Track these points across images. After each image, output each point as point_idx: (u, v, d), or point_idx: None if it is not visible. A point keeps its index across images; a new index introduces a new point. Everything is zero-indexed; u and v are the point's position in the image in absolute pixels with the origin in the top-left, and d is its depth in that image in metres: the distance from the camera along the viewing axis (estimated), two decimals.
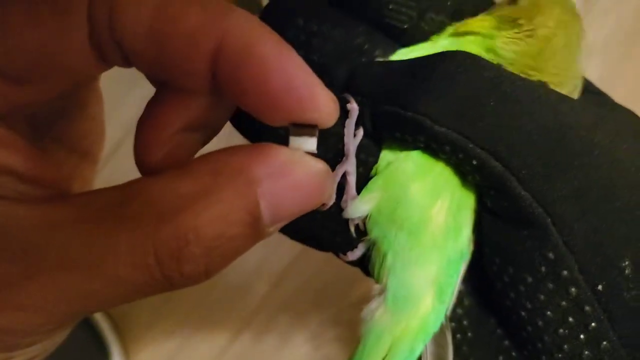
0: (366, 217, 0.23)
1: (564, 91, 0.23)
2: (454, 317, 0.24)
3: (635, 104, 0.58)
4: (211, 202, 0.16)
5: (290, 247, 0.58)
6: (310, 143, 0.17)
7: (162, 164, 0.18)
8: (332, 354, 0.60)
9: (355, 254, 0.24)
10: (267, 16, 0.24)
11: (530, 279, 0.21)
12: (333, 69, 0.23)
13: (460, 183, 0.22)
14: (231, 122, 0.24)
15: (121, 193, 0.16)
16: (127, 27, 0.16)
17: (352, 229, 0.23)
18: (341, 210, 0.23)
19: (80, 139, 0.22)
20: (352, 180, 0.23)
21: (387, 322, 0.22)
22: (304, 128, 0.17)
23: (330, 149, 0.23)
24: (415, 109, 0.21)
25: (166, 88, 0.19)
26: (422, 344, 0.23)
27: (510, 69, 0.23)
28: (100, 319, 0.59)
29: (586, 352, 0.20)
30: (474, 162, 0.21)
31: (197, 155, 0.19)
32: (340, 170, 0.23)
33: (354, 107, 0.23)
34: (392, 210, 0.22)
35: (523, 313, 0.21)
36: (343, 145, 0.23)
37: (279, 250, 0.58)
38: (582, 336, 0.21)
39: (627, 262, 0.20)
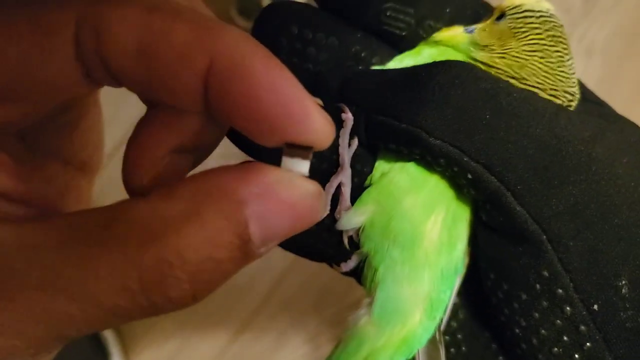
0: (360, 228, 0.23)
1: (557, 102, 0.23)
2: (448, 331, 0.24)
3: (636, 104, 0.58)
4: (197, 225, 0.15)
5: None
6: (303, 165, 0.16)
7: (150, 187, 0.18)
8: None
9: (349, 265, 0.23)
10: (262, 23, 0.24)
11: (524, 296, 0.21)
12: (328, 78, 0.23)
13: (456, 195, 0.22)
14: (228, 137, 0.23)
15: (106, 215, 0.16)
16: (114, 46, 0.16)
17: (346, 240, 0.23)
18: (335, 221, 0.23)
19: (77, 151, 0.21)
20: (346, 191, 0.22)
21: (369, 333, 0.22)
22: (299, 149, 0.16)
23: (325, 160, 0.23)
24: (410, 121, 0.20)
25: (157, 108, 0.19)
26: (404, 358, 0.22)
27: (494, 74, 0.23)
28: None
29: None
30: (469, 176, 0.20)
31: (189, 175, 0.18)
32: (334, 181, 0.22)
33: (348, 117, 0.22)
34: (386, 224, 0.22)
35: (517, 330, 0.21)
36: (338, 155, 0.22)
37: (279, 251, 0.58)
38: (576, 355, 0.20)
39: (624, 282, 0.20)
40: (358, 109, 0.22)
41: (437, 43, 0.24)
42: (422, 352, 0.23)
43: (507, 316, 0.21)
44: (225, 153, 0.65)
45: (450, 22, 0.24)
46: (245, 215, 0.15)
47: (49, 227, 0.16)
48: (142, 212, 0.15)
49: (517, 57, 0.22)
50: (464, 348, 0.23)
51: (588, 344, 0.20)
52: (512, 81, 0.22)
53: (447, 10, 0.24)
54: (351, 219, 0.22)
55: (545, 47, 0.22)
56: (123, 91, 0.69)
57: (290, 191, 0.16)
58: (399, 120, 0.21)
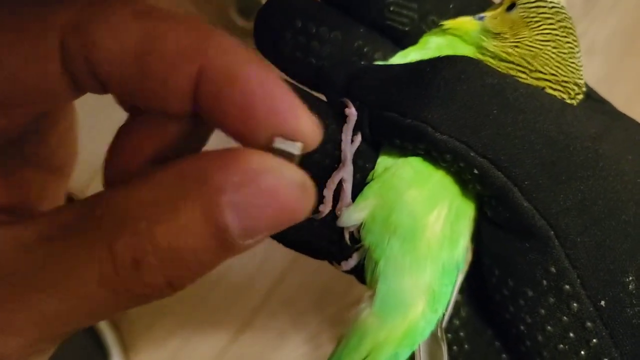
0: (361, 225, 0.22)
1: (564, 97, 0.23)
2: (450, 329, 0.23)
3: (636, 103, 0.58)
4: (170, 211, 0.15)
5: None
6: (294, 146, 0.16)
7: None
8: None
9: (349, 263, 0.23)
10: (265, 17, 0.24)
11: (530, 293, 0.20)
12: (331, 73, 0.23)
13: (460, 192, 0.22)
14: None
15: (86, 206, 0.16)
16: (103, 53, 0.16)
17: (347, 236, 0.23)
18: (336, 218, 0.23)
19: (50, 155, 0.21)
20: (347, 187, 0.22)
21: (371, 325, 0.22)
22: (286, 148, 0.16)
23: (327, 155, 0.23)
24: (416, 116, 0.20)
25: (140, 114, 0.18)
26: (407, 350, 0.22)
27: (502, 68, 0.23)
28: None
29: None
30: (475, 171, 0.20)
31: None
32: (336, 177, 0.22)
33: (352, 112, 0.22)
34: (387, 217, 0.22)
35: (522, 327, 0.21)
36: (340, 151, 0.22)
37: (279, 250, 0.58)
38: (582, 352, 0.20)
39: (631, 278, 0.20)
40: (362, 104, 0.22)
41: (445, 32, 0.24)
42: (424, 350, 0.23)
43: (511, 313, 0.21)
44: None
45: (455, 18, 0.24)
46: (221, 203, 0.14)
47: (34, 225, 0.16)
48: (118, 199, 0.15)
49: (530, 46, 0.22)
50: (466, 346, 0.23)
51: (594, 340, 0.20)
52: (522, 75, 0.22)
53: (451, 6, 0.24)
54: (352, 215, 0.22)
55: (558, 37, 0.22)
56: None
57: (272, 180, 0.15)
58: (404, 116, 0.21)
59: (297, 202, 0.15)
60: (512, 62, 0.22)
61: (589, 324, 0.20)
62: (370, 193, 0.22)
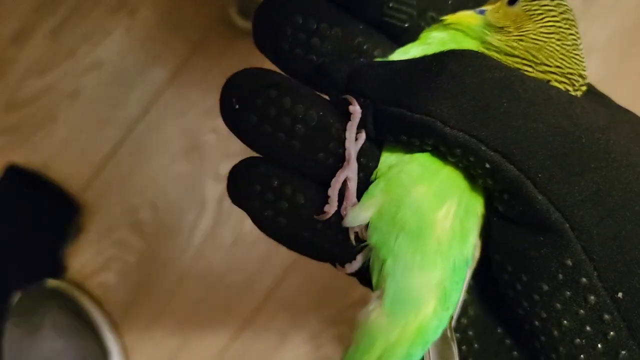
0: (367, 224, 0.22)
1: (568, 89, 0.23)
2: (458, 328, 0.23)
3: (636, 103, 0.58)
4: None
5: None
6: None
7: None
8: (333, 353, 0.60)
9: (354, 266, 0.23)
10: (264, 13, 0.24)
11: (546, 287, 0.20)
12: (333, 70, 0.23)
13: (468, 187, 0.21)
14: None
15: None
16: None
17: (352, 237, 0.23)
18: (341, 218, 0.22)
19: None
20: (352, 186, 0.22)
21: (382, 326, 0.21)
22: None
23: (331, 154, 0.22)
24: (423, 111, 0.20)
25: None
26: (420, 350, 0.22)
27: (507, 62, 0.22)
28: (99, 319, 0.59)
29: None
30: (487, 166, 0.20)
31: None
32: (340, 176, 0.22)
33: (356, 109, 0.22)
34: (394, 214, 0.21)
35: (537, 322, 0.21)
36: (344, 149, 0.22)
37: (279, 250, 0.58)
38: (599, 345, 0.20)
39: None
40: (366, 101, 0.22)
41: (446, 27, 0.23)
42: (434, 351, 0.22)
43: (525, 309, 0.21)
44: (228, 152, 0.65)
45: (454, 13, 0.24)
46: None
47: None
48: None
49: (535, 39, 0.22)
50: (476, 345, 0.23)
51: (612, 332, 0.20)
52: (527, 68, 0.22)
53: (450, 2, 0.24)
54: (358, 215, 0.22)
55: (561, 29, 0.22)
56: (119, 92, 0.69)
57: None
58: (411, 111, 0.20)
59: None
60: (518, 56, 0.22)
61: (606, 316, 0.20)
62: (377, 191, 0.22)
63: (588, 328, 0.20)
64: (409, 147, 0.22)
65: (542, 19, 0.22)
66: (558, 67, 0.22)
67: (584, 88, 0.23)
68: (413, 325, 0.21)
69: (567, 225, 0.19)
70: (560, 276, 0.20)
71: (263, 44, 0.23)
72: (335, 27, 0.23)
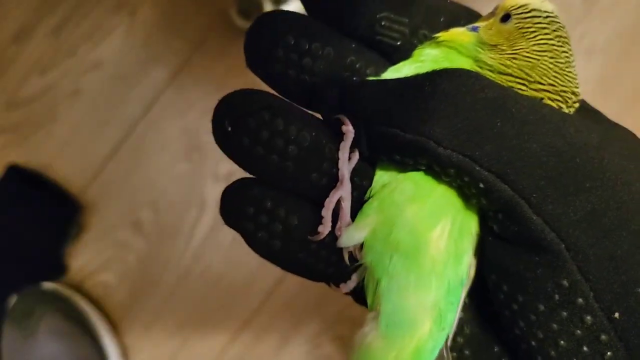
0: (361, 244, 0.22)
1: (562, 106, 0.23)
2: (454, 347, 0.23)
3: (636, 104, 0.58)
4: None
5: None
6: None
7: None
8: (333, 354, 0.60)
9: (349, 285, 0.23)
10: (255, 34, 0.23)
11: (542, 307, 0.20)
12: (325, 90, 0.22)
13: (463, 206, 0.21)
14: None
15: None
16: None
17: (346, 257, 0.22)
18: (335, 238, 0.22)
19: None
20: (346, 206, 0.22)
21: (378, 349, 0.21)
22: None
23: (324, 174, 0.22)
24: (417, 131, 0.20)
25: None
26: None
27: (500, 80, 0.22)
28: (98, 322, 0.58)
29: None
30: (481, 186, 0.20)
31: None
32: (334, 196, 0.22)
33: (349, 129, 0.22)
34: (388, 234, 0.21)
35: (534, 343, 0.21)
36: (337, 169, 0.22)
37: None
38: None
39: None
40: (359, 121, 0.22)
41: (439, 44, 0.23)
42: None
43: (522, 329, 0.21)
44: None
45: (446, 30, 0.24)
46: None
47: None
48: None
49: (528, 57, 0.22)
50: None
51: (609, 353, 0.20)
52: (521, 87, 0.22)
53: (442, 19, 0.24)
54: (353, 235, 0.22)
55: (554, 47, 0.23)
56: (120, 91, 0.69)
57: None
58: (404, 131, 0.20)
59: None
60: (511, 74, 0.22)
61: (603, 336, 0.20)
62: (371, 210, 0.22)
63: (585, 348, 0.20)
64: (403, 166, 0.22)
65: (535, 36, 0.22)
66: (551, 84, 0.22)
67: (576, 105, 0.23)
68: (409, 347, 0.21)
69: (563, 245, 0.19)
70: (557, 297, 0.20)
71: (255, 66, 0.23)
72: (327, 46, 0.23)
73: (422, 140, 0.20)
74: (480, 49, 0.23)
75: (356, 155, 0.22)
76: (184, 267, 0.61)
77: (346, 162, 0.22)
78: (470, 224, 0.22)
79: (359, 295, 0.23)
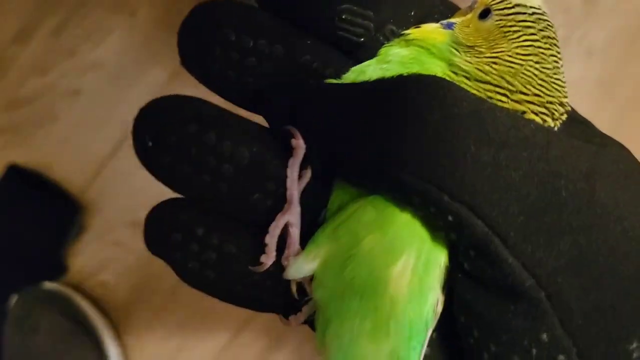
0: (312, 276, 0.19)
1: (547, 119, 0.20)
2: None
3: (636, 104, 0.58)
4: None
5: None
6: None
7: None
8: None
9: (299, 319, 0.20)
10: (192, 26, 0.20)
11: None
12: (273, 96, 0.19)
13: (430, 236, 0.18)
14: None
15: None
16: None
17: (294, 288, 0.20)
18: (281, 268, 0.19)
19: None
20: (294, 232, 0.19)
21: None
22: None
23: (269, 196, 0.19)
24: (377, 152, 0.17)
25: None
26: None
27: (477, 89, 0.19)
28: (98, 323, 0.58)
29: None
30: (450, 218, 0.17)
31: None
32: (280, 221, 0.19)
33: (299, 143, 0.19)
34: (342, 268, 0.18)
35: None
36: (285, 189, 0.19)
37: None
38: None
39: (635, 345, 0.17)
40: (312, 135, 0.19)
41: (408, 43, 0.20)
42: None
43: None
44: None
45: (417, 26, 0.21)
46: None
47: None
48: None
49: (510, 61, 0.19)
50: None
51: None
52: (501, 97, 0.19)
53: (412, 13, 0.20)
54: (302, 267, 0.19)
55: (541, 49, 0.19)
56: (120, 91, 0.69)
57: None
58: (363, 150, 0.17)
59: None
60: (490, 83, 0.19)
61: None
62: (323, 238, 0.19)
63: None
64: (361, 189, 0.19)
65: (518, 37, 0.19)
66: (537, 95, 0.19)
67: (564, 117, 0.20)
68: None
69: (543, 294, 0.17)
70: (534, 351, 0.17)
71: (190, 65, 0.20)
72: (276, 43, 0.19)
73: (382, 163, 0.17)
74: (455, 51, 0.20)
75: (308, 174, 0.19)
76: None
77: (295, 182, 0.19)
78: (439, 256, 0.18)
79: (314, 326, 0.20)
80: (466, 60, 0.20)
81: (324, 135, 0.18)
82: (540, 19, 0.20)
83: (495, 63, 0.19)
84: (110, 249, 0.62)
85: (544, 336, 0.17)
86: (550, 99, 0.19)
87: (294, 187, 0.19)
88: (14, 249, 0.62)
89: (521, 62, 0.19)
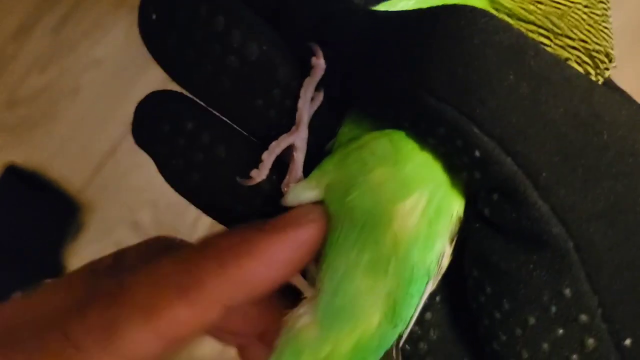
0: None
1: (590, 71, 0.18)
2: (415, 353, 0.18)
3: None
4: None
5: None
6: None
7: None
8: None
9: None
10: None
11: (533, 321, 0.16)
12: (300, 8, 0.17)
13: (446, 181, 0.17)
14: None
15: None
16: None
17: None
18: (278, 192, 0.18)
19: None
20: (299, 158, 0.17)
21: (311, 338, 0.17)
22: None
23: (273, 105, 0.17)
24: (405, 75, 0.15)
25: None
26: None
27: (519, 27, 0.18)
28: None
29: None
30: (476, 154, 0.15)
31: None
32: (284, 142, 0.17)
33: (319, 63, 0.17)
34: (344, 194, 0.17)
35: None
36: (294, 107, 0.17)
37: None
38: None
39: None
40: (336, 55, 0.17)
41: None
42: None
43: (502, 344, 0.16)
44: None
45: None
46: None
47: None
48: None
49: (557, 2, 0.18)
50: None
51: None
52: (544, 39, 0.18)
53: None
54: (301, 194, 0.17)
55: None
56: (120, 89, 0.68)
57: None
58: (391, 72, 0.16)
59: None
60: (534, 23, 0.18)
61: None
62: (330, 166, 0.17)
63: None
64: (380, 120, 0.17)
65: None
66: (583, 41, 0.18)
67: (607, 73, 0.19)
68: (349, 341, 0.17)
69: (571, 244, 0.15)
70: (554, 309, 0.15)
71: None
72: None
73: (410, 87, 0.15)
74: None
75: (320, 96, 0.18)
76: None
77: (308, 103, 0.17)
78: (452, 204, 0.17)
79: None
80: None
81: (351, 56, 0.17)
82: None
83: (540, 2, 0.18)
84: (109, 249, 0.61)
85: (567, 291, 0.15)
86: (597, 47, 0.18)
87: (305, 108, 0.17)
88: (12, 248, 0.62)
89: (569, 5, 0.18)
